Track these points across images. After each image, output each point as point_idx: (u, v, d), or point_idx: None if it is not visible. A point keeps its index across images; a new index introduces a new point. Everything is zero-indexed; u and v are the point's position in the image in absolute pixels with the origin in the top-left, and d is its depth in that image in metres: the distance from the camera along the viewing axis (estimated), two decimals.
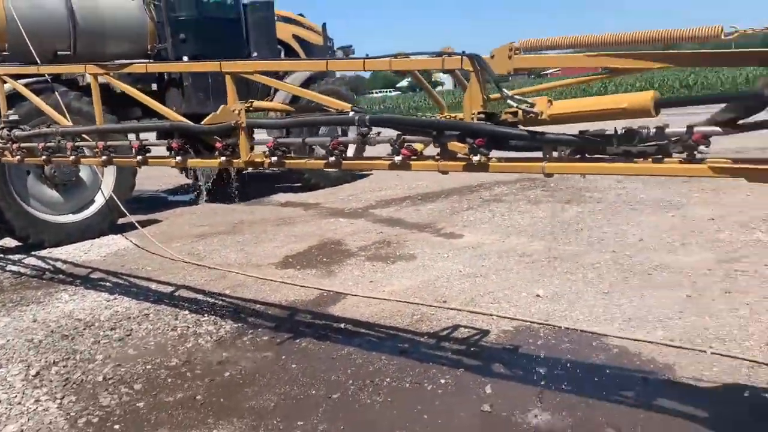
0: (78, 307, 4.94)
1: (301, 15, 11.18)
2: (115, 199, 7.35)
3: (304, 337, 4.02)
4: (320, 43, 10.82)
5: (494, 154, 2.59)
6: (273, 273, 5.57)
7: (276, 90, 9.14)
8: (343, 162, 3.00)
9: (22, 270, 6.28)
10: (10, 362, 3.91)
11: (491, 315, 4.14)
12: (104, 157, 4.07)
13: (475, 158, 2.56)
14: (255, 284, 5.26)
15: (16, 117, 4.70)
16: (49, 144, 4.35)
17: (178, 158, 3.62)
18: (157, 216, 8.70)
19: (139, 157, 3.84)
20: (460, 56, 2.63)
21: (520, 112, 2.46)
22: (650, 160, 2.28)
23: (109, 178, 7.64)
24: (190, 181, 10.72)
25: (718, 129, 2.14)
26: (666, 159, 2.26)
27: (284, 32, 10.48)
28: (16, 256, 6.82)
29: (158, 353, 3.92)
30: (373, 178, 10.77)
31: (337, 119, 3.19)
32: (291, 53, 10.63)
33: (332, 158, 2.97)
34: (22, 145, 4.55)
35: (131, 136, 4.11)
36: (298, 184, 10.28)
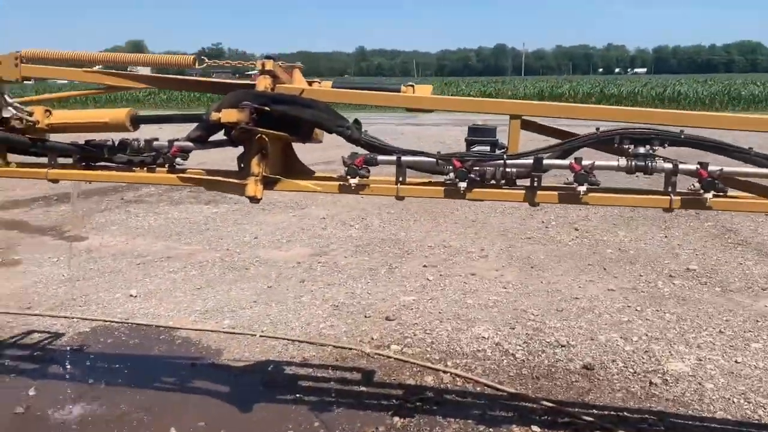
0: None
1: None
2: None
3: None
4: None
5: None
6: None
7: None
8: None
9: None
10: None
11: (72, 318, 4.14)
12: None
13: None
14: None
15: None
16: None
17: None
18: None
19: None
20: None
21: (24, 119, 2.54)
22: (146, 169, 2.58)
23: None
24: None
25: (191, 144, 2.51)
26: (158, 168, 2.58)
27: None
28: None
29: None
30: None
31: None
32: None
33: None
34: None
35: None
36: None
